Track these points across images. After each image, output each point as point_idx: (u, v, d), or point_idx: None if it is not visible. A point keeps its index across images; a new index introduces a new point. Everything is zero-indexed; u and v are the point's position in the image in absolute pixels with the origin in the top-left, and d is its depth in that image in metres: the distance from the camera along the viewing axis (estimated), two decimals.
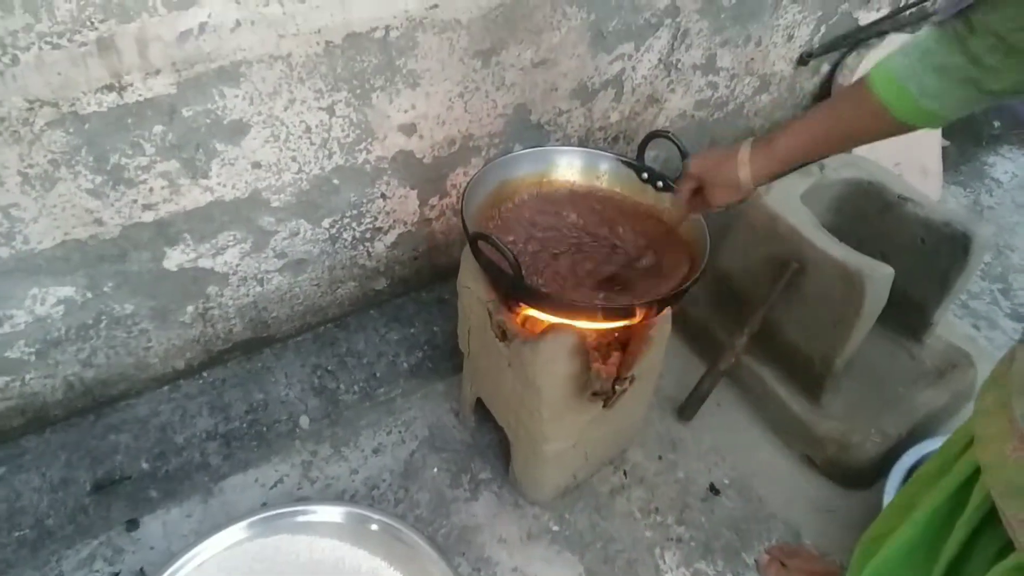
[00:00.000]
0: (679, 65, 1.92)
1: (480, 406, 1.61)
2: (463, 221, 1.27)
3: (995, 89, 0.84)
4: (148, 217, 1.37)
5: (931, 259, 1.69)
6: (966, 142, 2.71)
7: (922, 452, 1.60)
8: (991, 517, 1.02)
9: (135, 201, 1.34)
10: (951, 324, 1.99)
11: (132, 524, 1.47)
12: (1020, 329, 2.11)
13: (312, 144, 1.46)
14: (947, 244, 1.65)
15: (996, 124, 2.81)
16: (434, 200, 1.75)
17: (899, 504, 1.25)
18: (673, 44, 1.85)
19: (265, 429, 1.64)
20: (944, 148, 2.52)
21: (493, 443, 1.66)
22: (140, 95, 1.22)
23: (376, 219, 1.68)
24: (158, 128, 1.27)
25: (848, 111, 1.01)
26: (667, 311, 1.36)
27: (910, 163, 2.40)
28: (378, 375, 1.77)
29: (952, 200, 2.55)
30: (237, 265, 1.55)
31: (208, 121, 1.31)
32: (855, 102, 0.98)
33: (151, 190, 1.34)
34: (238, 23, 1.22)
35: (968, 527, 1.05)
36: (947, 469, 1.14)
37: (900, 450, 1.62)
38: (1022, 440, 0.87)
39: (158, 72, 1.21)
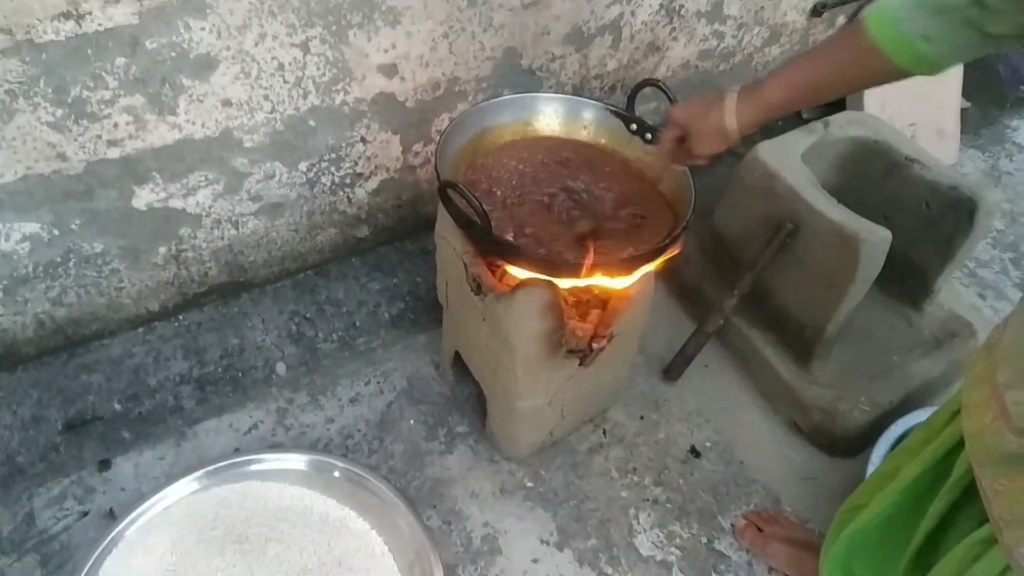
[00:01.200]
0: (682, 11, 1.83)
1: (459, 360, 1.58)
2: (436, 168, 1.22)
3: (998, 32, 0.78)
4: (113, 153, 1.33)
5: (935, 224, 1.62)
6: (989, 104, 2.58)
7: (911, 423, 1.55)
8: (972, 490, 0.99)
9: (99, 136, 1.29)
10: (957, 292, 1.92)
11: (104, 464, 1.47)
12: None
13: (286, 82, 1.40)
14: (952, 209, 1.58)
15: (1023, 87, 2.68)
16: (418, 147, 1.69)
17: (881, 474, 1.22)
18: None
19: (240, 375, 1.62)
20: (964, 110, 2.40)
21: (471, 397, 1.63)
22: (100, 24, 1.17)
23: (356, 164, 1.63)
24: (120, 60, 1.22)
25: (841, 54, 0.94)
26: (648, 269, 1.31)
27: (925, 124, 2.30)
28: (358, 324, 1.73)
29: (969, 164, 2.44)
30: (210, 207, 1.51)
31: (173, 55, 1.26)
32: (849, 45, 0.92)
33: (115, 125, 1.29)
34: None
35: (948, 498, 1.02)
36: (932, 439, 1.11)
37: (890, 419, 1.57)
38: (1003, 409, 0.84)
39: (118, 0, 1.15)
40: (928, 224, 1.63)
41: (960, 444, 1.00)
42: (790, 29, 2.12)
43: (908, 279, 1.71)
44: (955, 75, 2.33)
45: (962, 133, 2.41)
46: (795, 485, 1.58)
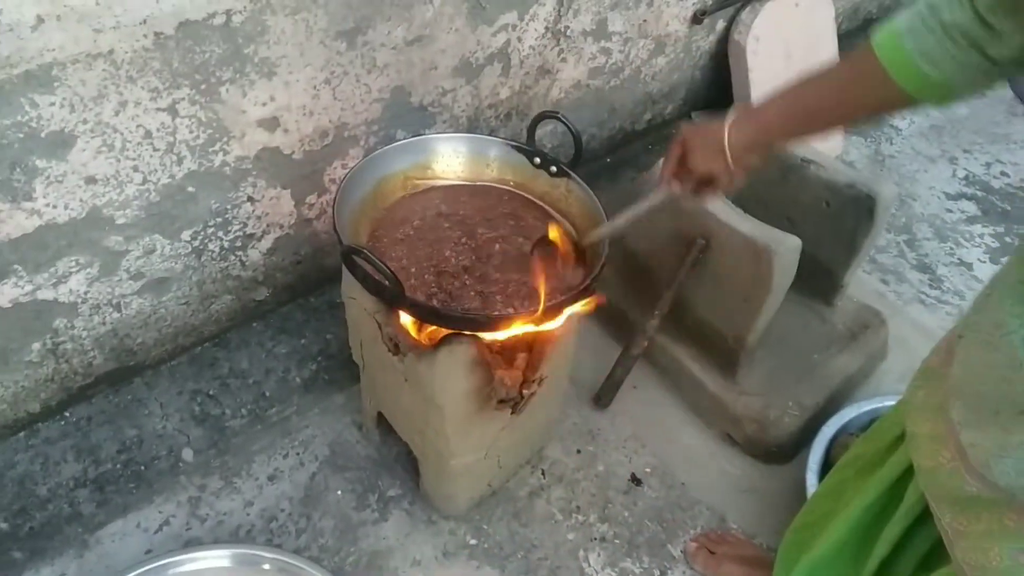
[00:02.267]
0: (568, 32, 1.80)
1: (384, 418, 1.49)
2: (336, 231, 1.13)
3: (998, 56, 0.72)
4: None
5: (837, 222, 1.65)
6: None
7: (841, 422, 1.58)
8: (924, 516, 0.99)
9: None
10: (860, 281, 1.97)
11: None
12: (926, 280, 2.12)
13: (156, 150, 1.27)
14: (852, 206, 1.61)
15: None
16: (312, 198, 1.59)
17: (828, 491, 1.22)
18: (560, 10, 1.72)
19: (143, 468, 1.48)
20: None
21: (401, 455, 1.55)
22: None
23: (246, 225, 1.51)
24: None
25: (845, 73, 0.87)
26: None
27: None
28: (268, 394, 1.61)
29: (854, 152, 2.53)
30: (86, 293, 1.37)
31: (21, 135, 1.12)
32: (855, 63, 0.85)
33: None
34: (40, 19, 1.03)
35: (901, 526, 1.02)
36: (878, 461, 1.11)
37: (819, 421, 1.59)
38: (959, 450, 0.81)
39: None
40: (830, 222, 1.66)
41: (908, 471, 0.99)
42: (673, 39, 2.13)
43: (817, 277, 1.73)
44: None
45: None
46: (737, 499, 1.57)
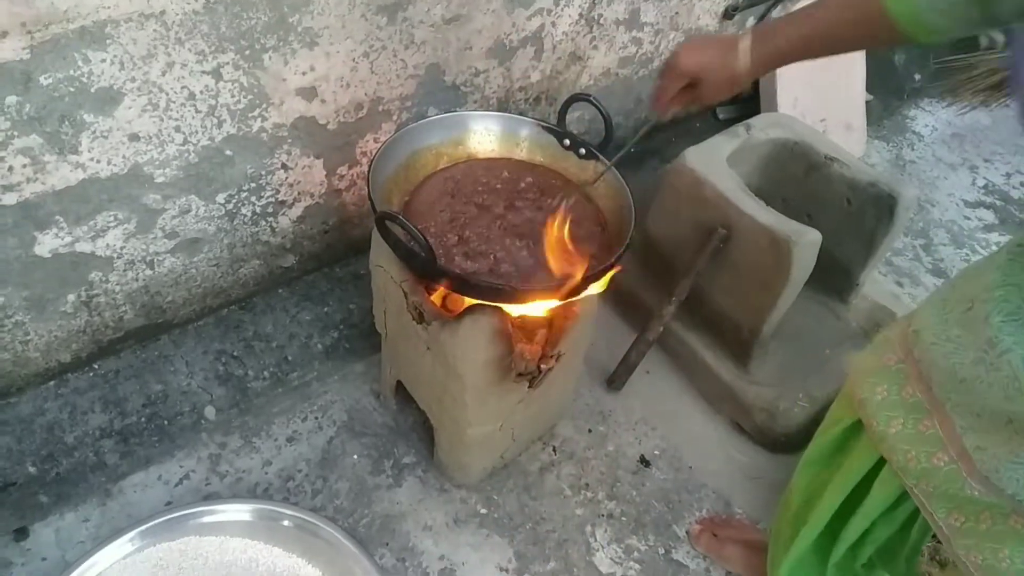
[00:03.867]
0: (601, 20, 1.82)
1: (402, 387, 1.52)
2: (370, 198, 1.16)
3: (1000, 11, 0.78)
4: (10, 199, 1.21)
5: (857, 220, 1.67)
6: (888, 96, 2.70)
7: None
8: (891, 508, 1.03)
9: None
10: (876, 282, 1.99)
11: (20, 533, 1.35)
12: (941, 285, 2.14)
13: (198, 112, 1.31)
14: (873, 205, 1.63)
15: (917, 77, 2.82)
16: (343, 169, 1.62)
17: (796, 489, 1.24)
18: None
19: (166, 422, 1.52)
20: (868, 103, 2.51)
21: (417, 424, 1.58)
22: None
23: (278, 192, 1.55)
24: (12, 99, 1.11)
25: (851, 14, 0.93)
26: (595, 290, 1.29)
27: (835, 120, 2.38)
28: (290, 358, 1.65)
29: (875, 155, 2.55)
30: (122, 248, 1.41)
31: (72, 89, 1.15)
32: (861, 9, 0.91)
33: (10, 169, 1.18)
34: None
35: (868, 519, 1.06)
36: (834, 455, 1.14)
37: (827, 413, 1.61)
38: (963, 455, 0.84)
39: (5, 34, 1.05)
40: (850, 220, 1.68)
41: (875, 468, 1.02)
42: (704, 33, 2.15)
43: (834, 274, 1.76)
44: (859, 70, 2.43)
45: (867, 125, 2.51)
46: (744, 486, 1.60)
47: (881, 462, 1.00)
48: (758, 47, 1.00)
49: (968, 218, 2.38)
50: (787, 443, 1.64)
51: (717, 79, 1.04)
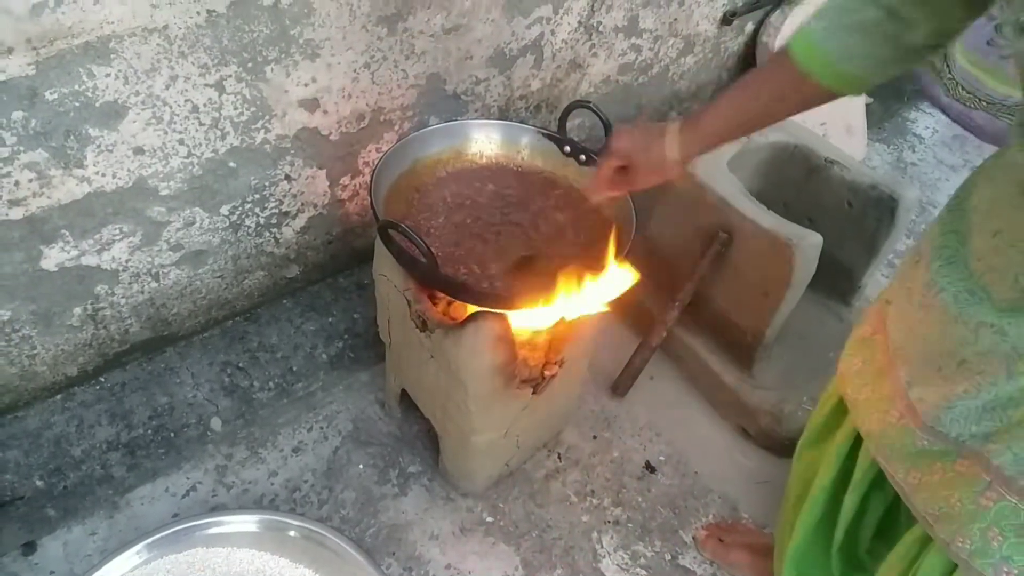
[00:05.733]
0: (600, 28, 1.83)
1: (406, 396, 1.53)
2: (373, 206, 1.17)
3: (912, 43, 0.80)
4: (16, 214, 1.22)
5: (858, 222, 1.68)
6: (888, 99, 2.71)
7: None
8: (877, 480, 1.06)
9: None
10: (879, 284, 1.99)
11: (28, 548, 1.35)
12: None
13: (201, 125, 1.32)
14: (874, 207, 1.63)
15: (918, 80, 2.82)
16: (345, 179, 1.63)
17: (794, 477, 1.27)
18: (593, 6, 1.76)
19: (173, 435, 1.53)
20: (868, 106, 2.51)
21: (422, 433, 1.59)
22: None
23: (282, 203, 1.56)
24: (18, 114, 1.12)
25: (772, 83, 0.95)
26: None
27: (835, 123, 2.39)
28: (295, 369, 1.66)
29: (876, 158, 2.55)
30: (127, 261, 1.41)
31: (77, 104, 1.17)
32: (778, 73, 0.92)
33: (16, 184, 1.19)
34: None
35: (859, 493, 1.09)
36: (824, 435, 1.18)
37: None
38: (909, 407, 0.87)
39: (11, 51, 1.06)
40: (852, 223, 1.69)
41: (858, 439, 1.06)
42: (703, 39, 2.16)
43: (836, 277, 1.76)
44: None
45: (868, 128, 2.52)
46: (750, 490, 1.60)
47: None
48: (686, 136, 1.02)
49: None
50: (792, 446, 1.62)
51: (646, 165, 1.07)
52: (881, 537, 1.18)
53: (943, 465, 0.86)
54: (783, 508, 1.30)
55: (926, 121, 2.74)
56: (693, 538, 1.51)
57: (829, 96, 0.89)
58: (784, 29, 2.20)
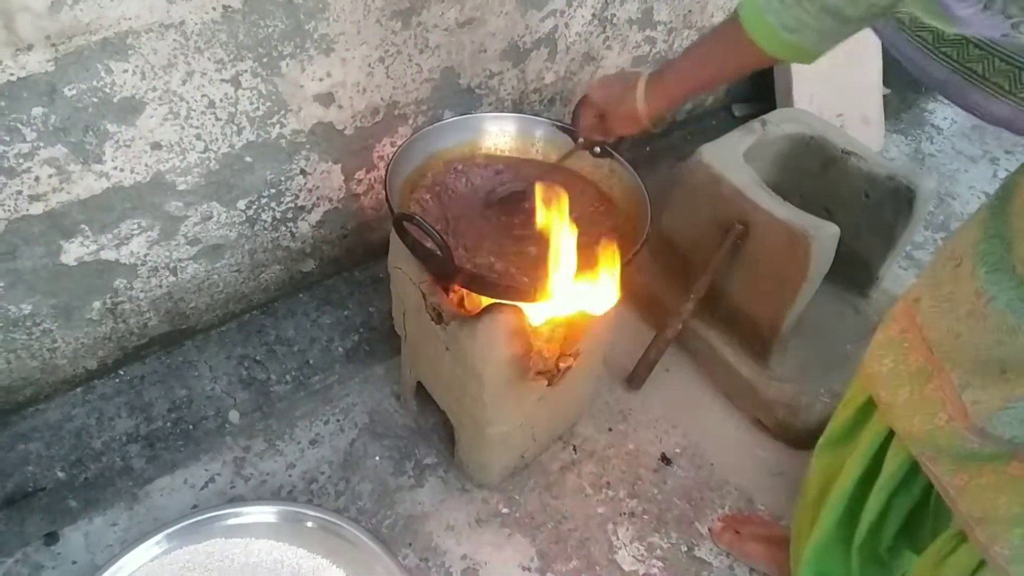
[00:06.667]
0: (614, 20, 1.83)
1: (422, 389, 1.53)
2: (388, 200, 1.18)
3: (853, 15, 0.80)
4: (37, 209, 1.24)
5: (876, 213, 1.66)
6: (906, 89, 2.68)
7: None
8: (904, 481, 1.06)
9: (19, 192, 1.20)
10: (896, 276, 1.97)
11: (51, 538, 1.37)
12: None
13: (218, 120, 1.33)
14: (891, 198, 1.62)
15: None
16: (360, 174, 1.64)
17: (815, 473, 1.26)
18: None
19: (191, 427, 1.54)
20: (885, 96, 2.49)
21: (438, 425, 1.59)
22: (12, 74, 1.08)
23: (297, 197, 1.57)
24: (37, 110, 1.14)
25: (721, 47, 0.99)
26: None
27: (852, 114, 2.37)
28: (311, 362, 1.67)
29: (894, 149, 2.53)
30: (145, 255, 1.43)
31: (95, 100, 1.18)
32: (727, 37, 0.96)
33: (37, 179, 1.21)
34: None
35: (886, 492, 1.09)
36: (849, 434, 1.17)
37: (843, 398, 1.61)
38: (960, 409, 0.86)
39: (30, 47, 1.08)
40: (869, 214, 1.67)
41: (887, 440, 1.05)
42: None
43: (853, 269, 1.75)
44: (875, 64, 2.41)
45: (885, 119, 2.49)
46: (766, 482, 1.60)
47: (891, 435, 1.03)
48: (650, 88, 1.08)
49: None
50: (809, 439, 1.62)
51: (618, 115, 1.14)
52: (903, 535, 1.17)
53: (994, 467, 0.85)
54: (800, 504, 1.30)
55: (944, 112, 2.71)
56: (709, 530, 1.50)
57: (773, 61, 0.93)
58: None
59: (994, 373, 0.82)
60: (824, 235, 1.45)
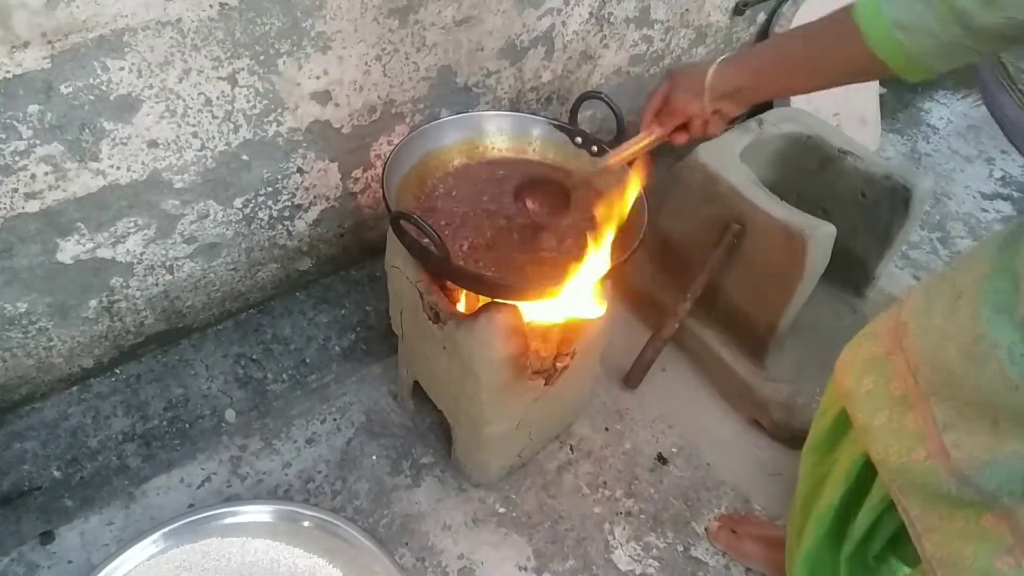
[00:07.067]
0: (611, 19, 1.83)
1: (419, 388, 1.53)
2: (385, 198, 1.17)
3: (986, 25, 0.68)
4: (33, 207, 1.23)
5: (872, 213, 1.66)
6: (902, 89, 2.69)
7: None
8: (893, 504, 1.00)
9: (15, 190, 1.20)
10: (893, 275, 1.98)
11: (47, 537, 1.37)
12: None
13: (214, 118, 1.33)
14: (888, 197, 1.62)
15: None
16: (357, 172, 1.64)
17: (802, 478, 1.24)
18: None
19: (187, 426, 1.54)
20: (881, 96, 2.49)
21: (435, 425, 1.59)
22: (7, 71, 1.08)
23: (294, 196, 1.57)
24: (33, 108, 1.13)
25: (827, 34, 0.85)
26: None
27: (849, 114, 2.37)
28: (308, 361, 1.67)
29: (890, 149, 2.53)
30: (141, 253, 1.43)
31: (92, 97, 1.18)
32: (836, 24, 0.83)
33: (33, 177, 1.20)
34: None
35: (871, 517, 1.04)
36: (831, 444, 1.13)
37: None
38: (940, 449, 0.80)
39: (26, 44, 1.07)
40: (865, 214, 1.68)
41: (868, 462, 0.99)
42: (714, 29, 2.15)
43: (849, 268, 1.75)
44: None
45: (881, 119, 2.50)
46: (762, 482, 1.60)
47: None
48: (727, 62, 0.97)
49: (985, 210, 2.36)
50: (805, 439, 1.63)
51: (682, 85, 1.02)
52: (892, 548, 1.16)
53: (967, 515, 0.80)
54: (793, 506, 1.29)
55: (940, 111, 2.72)
56: (705, 529, 1.50)
57: (882, 70, 0.79)
58: (796, 19, 2.18)
59: (983, 420, 0.76)
60: (821, 235, 1.45)
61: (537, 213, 1.27)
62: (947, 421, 0.80)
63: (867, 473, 1.02)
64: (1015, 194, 2.42)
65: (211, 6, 1.19)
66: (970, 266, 0.80)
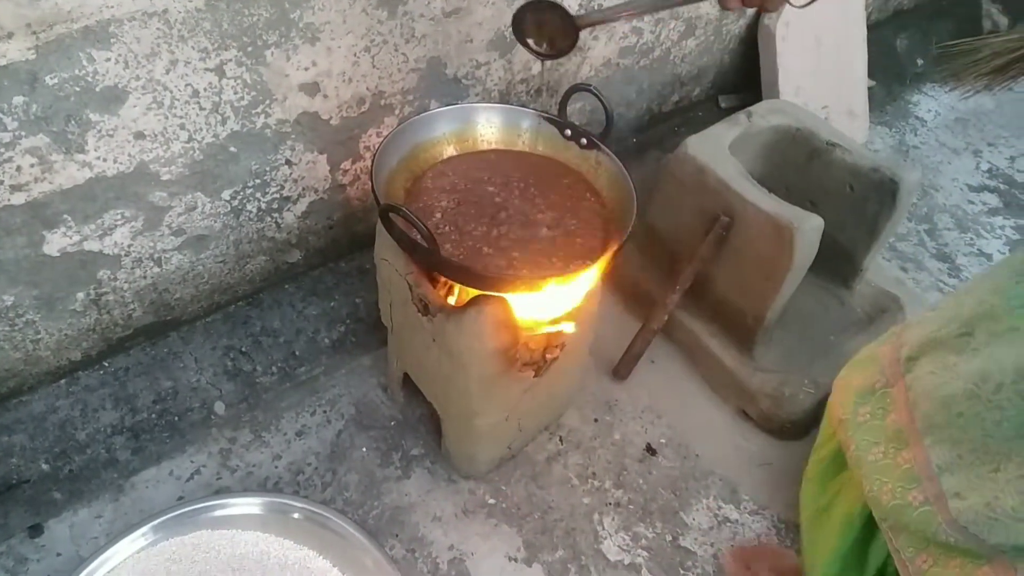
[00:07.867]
0: (600, 10, 1.82)
1: (408, 380, 1.53)
2: (374, 190, 1.17)
3: None
4: (18, 199, 1.22)
5: (860, 205, 1.67)
6: (891, 81, 2.70)
7: None
8: None
9: (1, 182, 1.19)
10: (880, 267, 2.00)
11: (35, 530, 1.36)
12: (945, 269, 2.14)
13: (202, 109, 1.32)
14: (875, 190, 1.63)
15: (919, 62, 2.81)
16: (346, 164, 1.63)
17: (808, 498, 1.21)
18: None
19: (177, 418, 1.54)
20: (870, 89, 2.50)
21: (424, 417, 1.60)
22: None
23: (283, 188, 1.56)
24: (18, 99, 1.12)
25: None
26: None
27: (837, 106, 2.38)
28: (297, 353, 1.67)
29: (879, 141, 2.54)
30: (129, 246, 1.42)
31: (78, 89, 1.17)
32: None
33: (18, 169, 1.19)
34: None
35: (886, 551, 1.00)
36: (832, 476, 1.09)
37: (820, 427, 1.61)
38: (938, 497, 0.77)
39: (10, 35, 1.06)
40: (853, 206, 1.68)
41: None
42: (704, 21, 2.15)
43: (837, 260, 1.76)
44: (861, 56, 2.42)
45: (870, 111, 2.51)
46: (751, 473, 1.61)
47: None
48: None
49: (972, 202, 2.38)
50: (793, 429, 1.65)
51: None
52: None
53: (963, 563, 0.76)
54: (803, 530, 1.23)
55: (928, 104, 2.73)
56: (719, 564, 1.46)
57: None
58: (786, 12, 2.18)
59: (985, 466, 0.72)
60: (808, 227, 1.46)
61: (539, 52, 1.24)
62: (943, 464, 0.77)
63: (868, 520, 0.98)
64: (1002, 186, 2.44)
65: None
66: (975, 297, 0.77)
